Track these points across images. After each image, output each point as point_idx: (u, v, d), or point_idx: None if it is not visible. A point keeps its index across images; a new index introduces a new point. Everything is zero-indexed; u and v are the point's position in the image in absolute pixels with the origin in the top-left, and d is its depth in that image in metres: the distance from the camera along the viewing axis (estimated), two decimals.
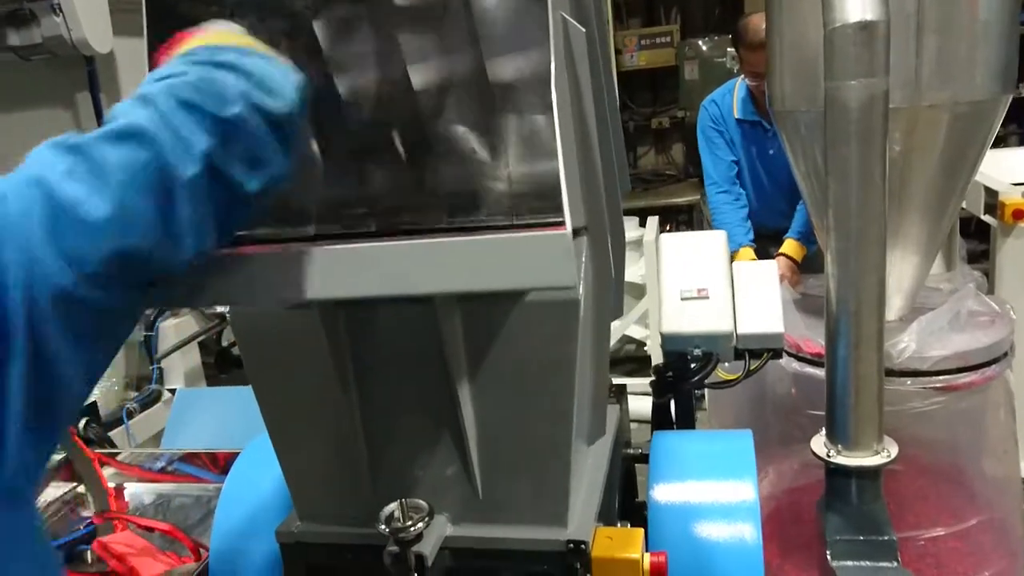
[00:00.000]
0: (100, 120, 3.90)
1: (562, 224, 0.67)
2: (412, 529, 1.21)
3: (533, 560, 1.27)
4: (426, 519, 1.23)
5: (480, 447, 1.26)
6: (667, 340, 1.80)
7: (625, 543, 1.28)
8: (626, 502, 1.71)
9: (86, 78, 3.89)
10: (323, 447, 1.33)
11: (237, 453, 2.84)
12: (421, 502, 1.25)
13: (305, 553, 1.38)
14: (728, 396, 2.41)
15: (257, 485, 1.68)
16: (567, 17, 1.07)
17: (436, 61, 1.18)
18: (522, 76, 1.12)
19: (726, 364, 1.89)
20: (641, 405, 2.59)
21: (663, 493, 1.50)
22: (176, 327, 4.13)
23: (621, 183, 1.56)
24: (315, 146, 1.33)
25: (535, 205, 1.25)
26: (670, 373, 1.87)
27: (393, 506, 1.24)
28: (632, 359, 4.80)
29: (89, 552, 2.58)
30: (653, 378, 1.93)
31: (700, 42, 6.08)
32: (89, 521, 2.74)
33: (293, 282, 0.76)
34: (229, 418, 3.33)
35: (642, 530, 1.32)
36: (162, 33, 1.13)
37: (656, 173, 6.77)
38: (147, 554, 2.49)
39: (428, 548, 1.23)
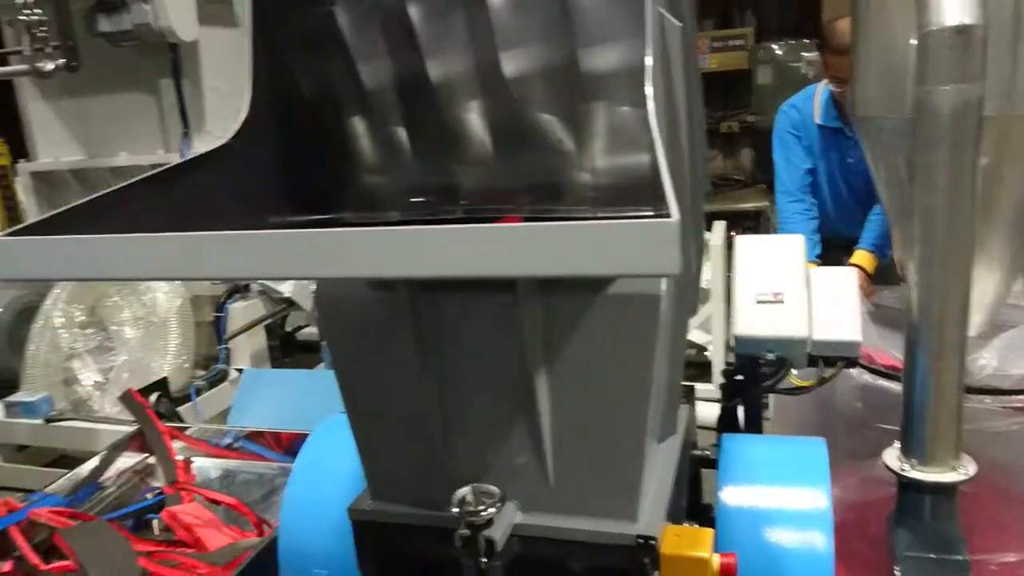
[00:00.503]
0: (183, 105, 4.02)
1: (665, 214, 0.67)
2: (483, 513, 1.23)
3: (601, 553, 1.28)
4: (497, 504, 1.24)
5: (554, 437, 1.27)
6: (740, 343, 1.78)
7: (694, 542, 1.28)
8: (692, 504, 1.69)
9: (170, 65, 4.01)
10: (400, 429, 1.35)
11: (300, 434, 2.91)
12: (493, 488, 1.26)
13: (376, 531, 1.41)
14: (793, 405, 2.37)
15: (327, 463, 1.72)
16: (664, 12, 1.07)
17: (528, 49, 1.19)
18: (615, 67, 1.13)
19: (797, 371, 1.86)
20: (703, 411, 2.56)
21: (732, 496, 1.49)
22: (244, 310, 4.23)
23: (702, 181, 1.55)
24: (403, 133, 1.36)
25: (622, 197, 1.26)
26: (740, 376, 1.85)
27: (465, 490, 1.26)
28: (693, 364, 4.74)
29: (156, 521, 2.67)
30: (722, 381, 1.91)
31: (775, 46, 5.98)
32: (158, 491, 2.84)
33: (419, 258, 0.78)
34: (293, 399, 3.41)
35: (712, 530, 1.31)
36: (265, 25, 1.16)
37: (724, 178, 6.69)
38: (212, 526, 2.57)
39: (498, 533, 1.24)
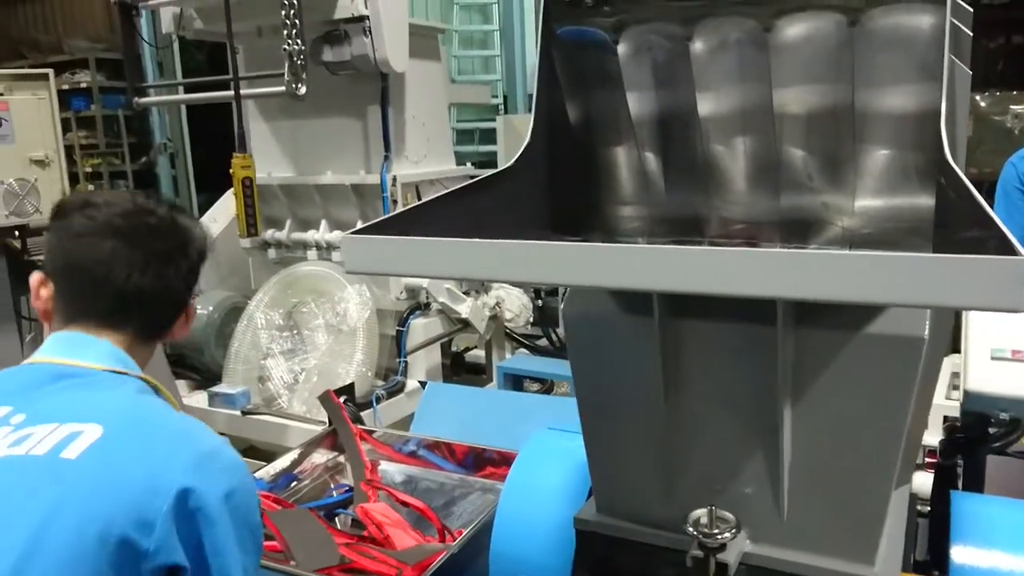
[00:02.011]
0: (386, 130, 4.31)
1: (1015, 252, 0.69)
2: (719, 537, 1.26)
3: None
4: (732, 530, 1.27)
5: (793, 471, 1.28)
6: (970, 399, 1.72)
7: None
8: (909, 557, 1.64)
9: (379, 93, 4.32)
10: (634, 448, 1.40)
11: (472, 447, 3.03)
12: (728, 514, 1.29)
13: (597, 542, 1.46)
14: (1009, 466, 2.23)
15: (538, 477, 1.79)
16: (955, 59, 1.09)
17: (802, 88, 1.23)
18: (890, 110, 1.15)
19: None
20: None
21: (966, 556, 1.43)
22: (424, 326, 4.45)
23: None
24: (658, 163, 1.43)
25: (881, 239, 1.26)
26: (963, 434, 1.78)
27: (701, 512, 1.29)
28: None
29: (342, 517, 2.84)
30: (942, 437, 1.84)
31: (978, 97, 5.68)
32: (347, 488, 3.02)
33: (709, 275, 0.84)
34: (470, 415, 3.54)
35: None
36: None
37: None
38: (400, 527, 2.70)
39: (731, 558, 1.26)
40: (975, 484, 1.84)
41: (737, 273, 0.81)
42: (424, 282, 4.36)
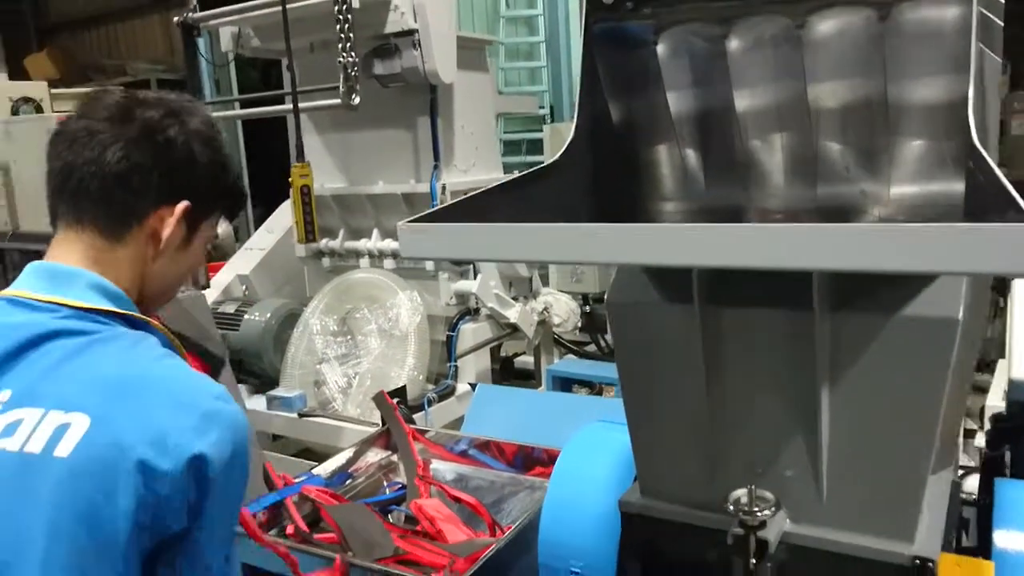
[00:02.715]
0: (435, 140, 4.42)
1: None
2: (759, 515, 1.30)
3: (875, 570, 1.31)
4: (772, 508, 1.31)
5: (832, 452, 1.32)
6: (1015, 388, 1.73)
7: (976, 572, 1.27)
8: (954, 546, 1.66)
9: (427, 104, 4.43)
10: (677, 432, 1.46)
11: (522, 446, 3.09)
12: (768, 493, 1.33)
13: (643, 524, 1.51)
14: None
15: (584, 467, 1.85)
16: (984, 47, 1.13)
17: (836, 83, 1.28)
18: (924, 101, 1.19)
19: None
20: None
21: (1010, 540, 1.45)
22: (474, 331, 4.53)
23: None
24: (698, 159, 1.48)
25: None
26: (1010, 423, 1.79)
27: (741, 491, 1.34)
28: None
29: (395, 513, 2.93)
30: (989, 427, 1.85)
31: None
32: (400, 486, 3.11)
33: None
34: (520, 416, 3.61)
35: (992, 564, 1.30)
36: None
37: None
38: (452, 522, 2.78)
39: (772, 535, 1.31)
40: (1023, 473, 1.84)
41: (768, 246, 0.87)
42: (473, 287, 4.45)
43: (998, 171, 0.89)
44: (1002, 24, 1.19)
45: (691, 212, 1.51)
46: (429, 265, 4.50)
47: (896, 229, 0.83)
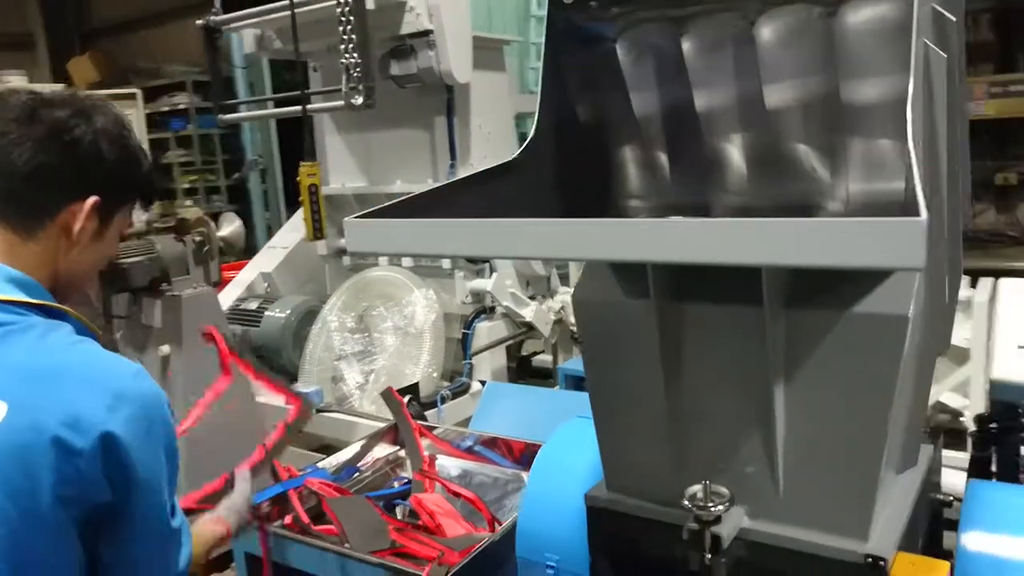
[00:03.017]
0: (452, 140, 4.46)
1: (915, 213, 0.75)
2: (713, 510, 1.31)
3: (828, 567, 1.31)
4: (726, 503, 1.32)
5: (787, 449, 1.33)
6: (996, 388, 1.71)
7: (928, 571, 1.27)
8: (930, 547, 1.64)
9: (444, 104, 4.48)
10: (640, 428, 1.47)
11: (530, 444, 3.11)
12: (723, 488, 1.34)
13: (608, 518, 1.53)
14: None
15: (564, 461, 1.87)
16: (929, 43, 1.12)
17: (790, 83, 1.28)
18: (876, 100, 1.19)
19: None
20: (954, 480, 2.39)
21: (974, 541, 1.44)
22: (489, 329, 4.56)
23: (964, 215, 1.54)
24: (664, 158, 1.49)
25: None
26: (994, 424, 1.77)
27: (697, 487, 1.35)
28: (945, 431, 4.38)
29: (400, 507, 2.97)
30: (975, 428, 1.83)
31: None
32: (406, 481, 3.16)
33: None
34: (529, 414, 3.62)
35: (948, 564, 1.29)
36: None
37: (995, 233, 6.12)
38: (452, 517, 2.81)
39: (725, 531, 1.31)
40: (1009, 474, 1.81)
41: (671, 241, 0.88)
42: (488, 286, 4.48)
43: (916, 170, 0.89)
44: (953, 19, 1.18)
45: (658, 210, 1.52)
46: (445, 263, 4.54)
47: (788, 224, 0.84)
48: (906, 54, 1.11)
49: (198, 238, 3.08)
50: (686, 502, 1.33)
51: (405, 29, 4.14)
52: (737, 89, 1.35)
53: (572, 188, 1.49)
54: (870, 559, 1.26)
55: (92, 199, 1.27)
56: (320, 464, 3.14)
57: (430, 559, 2.43)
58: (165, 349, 3.07)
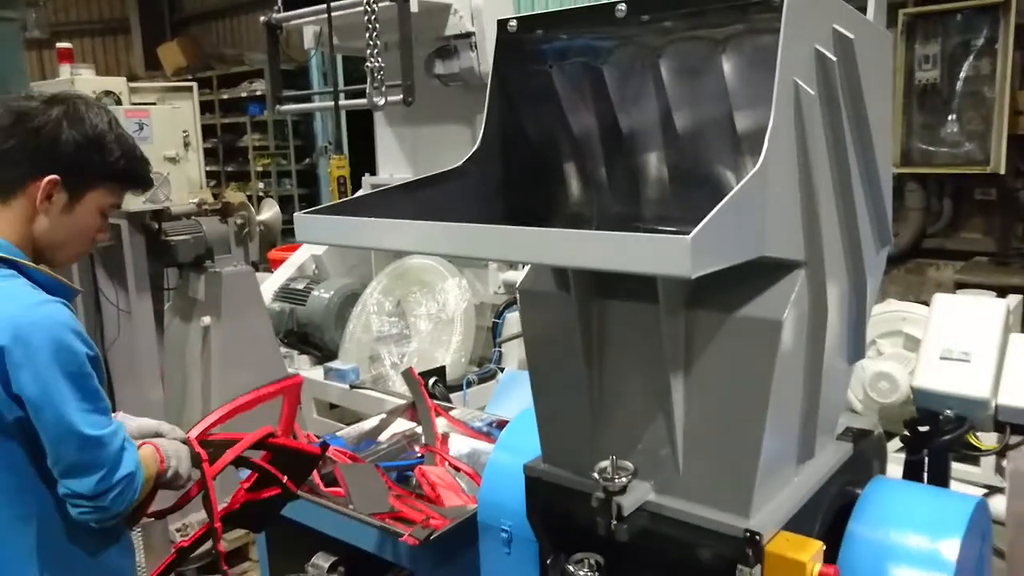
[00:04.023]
0: None
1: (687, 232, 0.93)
2: (617, 482, 1.50)
3: (714, 538, 1.47)
4: (630, 476, 1.50)
5: (685, 432, 1.50)
6: (917, 395, 1.83)
7: (800, 547, 1.43)
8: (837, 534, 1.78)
9: (484, 103, 4.69)
10: (566, 409, 1.66)
11: None
12: (629, 463, 1.52)
13: (541, 488, 1.72)
14: None
15: (523, 439, 2.06)
16: (799, 82, 1.28)
17: (693, 109, 1.45)
18: (758, 127, 1.34)
19: (981, 433, 1.84)
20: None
21: (860, 527, 1.59)
22: (519, 319, 4.77)
23: (881, 236, 1.67)
24: (603, 172, 1.68)
25: None
26: (925, 428, 1.89)
27: (606, 462, 1.53)
28: None
29: (413, 478, 3.21)
30: (906, 432, 1.95)
31: None
32: (420, 454, 3.40)
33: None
34: None
35: (822, 543, 1.45)
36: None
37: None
38: (452, 490, 3.04)
39: (627, 501, 1.50)
40: (939, 478, 1.93)
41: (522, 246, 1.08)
42: (520, 278, 4.68)
43: (727, 198, 1.05)
44: (834, 59, 1.32)
45: (595, 217, 1.70)
46: None
47: (591, 236, 1.02)
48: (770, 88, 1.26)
49: (239, 221, 3.38)
50: (595, 474, 1.52)
51: (449, 31, 4.37)
52: (653, 113, 1.52)
53: (519, 197, 1.68)
54: (748, 533, 1.43)
55: (50, 177, 1.54)
56: (339, 433, 3.41)
57: (418, 522, 2.66)
58: (206, 320, 3.39)
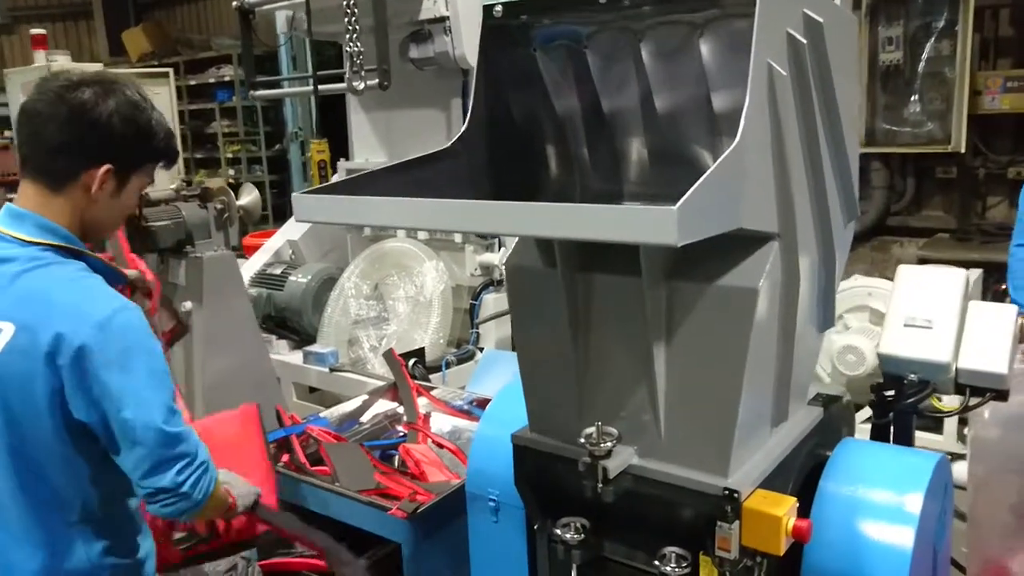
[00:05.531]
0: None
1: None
2: (602, 447, 1.57)
3: (695, 497, 1.56)
4: (614, 441, 1.58)
5: (667, 398, 1.58)
6: (884, 361, 1.93)
7: (775, 503, 1.52)
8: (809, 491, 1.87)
9: (460, 87, 4.73)
10: (553, 378, 1.73)
11: None
12: (613, 429, 1.60)
13: (529, 455, 1.80)
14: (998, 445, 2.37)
15: (509, 411, 2.13)
16: (772, 64, 1.35)
17: (673, 91, 1.52)
18: (734, 108, 1.41)
19: (943, 397, 1.95)
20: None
21: (830, 483, 1.69)
22: (495, 300, 4.83)
23: (849, 210, 1.76)
24: (585, 152, 1.75)
25: None
26: (890, 393, 1.99)
27: (592, 428, 1.61)
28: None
29: (397, 456, 3.28)
30: (873, 398, 2.05)
31: None
32: (402, 432, 3.46)
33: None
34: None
35: (795, 499, 1.54)
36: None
37: (1003, 227, 6.19)
38: (436, 466, 3.11)
39: (612, 464, 1.58)
40: (904, 438, 2.03)
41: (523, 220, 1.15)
42: (496, 259, 4.74)
43: (709, 171, 1.13)
44: (805, 41, 1.40)
45: (579, 194, 1.77)
46: (457, 237, 4.81)
47: (584, 209, 1.09)
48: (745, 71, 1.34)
49: (219, 206, 3.40)
50: (582, 440, 1.60)
51: (423, 15, 4.40)
52: (634, 95, 1.59)
53: (505, 175, 1.75)
54: (727, 491, 1.52)
55: (106, 167, 1.58)
56: (322, 414, 3.47)
57: (404, 497, 2.73)
58: (188, 305, 3.41)
